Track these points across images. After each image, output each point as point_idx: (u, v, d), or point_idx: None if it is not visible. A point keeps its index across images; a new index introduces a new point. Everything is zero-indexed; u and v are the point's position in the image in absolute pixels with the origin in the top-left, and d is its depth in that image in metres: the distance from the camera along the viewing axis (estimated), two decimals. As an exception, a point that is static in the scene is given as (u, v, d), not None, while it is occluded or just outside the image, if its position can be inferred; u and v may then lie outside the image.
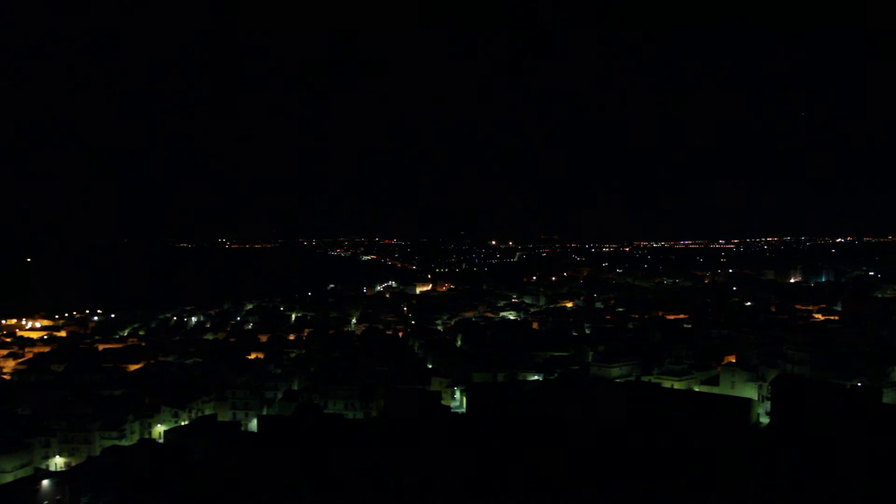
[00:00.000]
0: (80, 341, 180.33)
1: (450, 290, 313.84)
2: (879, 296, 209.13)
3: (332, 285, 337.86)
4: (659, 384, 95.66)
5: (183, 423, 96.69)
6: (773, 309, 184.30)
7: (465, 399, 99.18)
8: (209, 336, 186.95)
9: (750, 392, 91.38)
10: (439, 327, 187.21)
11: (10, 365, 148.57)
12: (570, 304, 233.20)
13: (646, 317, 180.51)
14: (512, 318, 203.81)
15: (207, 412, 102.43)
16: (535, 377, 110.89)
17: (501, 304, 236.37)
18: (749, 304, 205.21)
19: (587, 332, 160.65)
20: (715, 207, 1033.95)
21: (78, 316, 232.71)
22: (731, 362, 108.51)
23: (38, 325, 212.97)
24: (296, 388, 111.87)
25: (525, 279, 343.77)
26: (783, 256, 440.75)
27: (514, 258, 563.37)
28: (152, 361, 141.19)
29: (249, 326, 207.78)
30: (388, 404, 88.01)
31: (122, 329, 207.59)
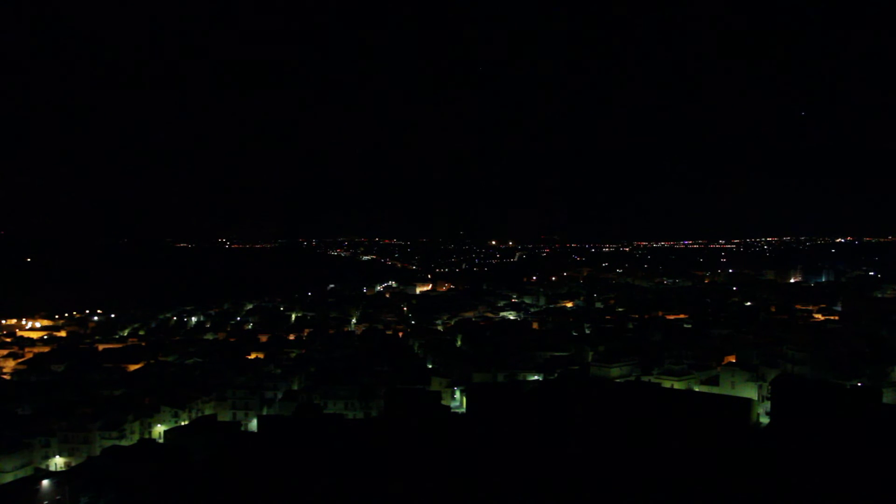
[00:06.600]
0: (80, 341, 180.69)
1: (450, 290, 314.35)
2: (879, 296, 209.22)
3: (332, 285, 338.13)
4: (659, 384, 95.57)
5: (183, 423, 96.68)
6: (773, 309, 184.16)
7: (465, 399, 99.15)
8: (209, 336, 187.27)
9: (750, 392, 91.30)
10: (439, 327, 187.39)
11: (10, 365, 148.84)
12: (570, 304, 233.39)
13: (646, 317, 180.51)
14: (512, 318, 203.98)
15: (207, 412, 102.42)
16: (535, 377, 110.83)
17: (501, 304, 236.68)
18: (749, 304, 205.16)
19: (587, 332, 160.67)
20: (715, 207, 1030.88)
21: (78, 316, 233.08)
22: (731, 362, 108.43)
23: (38, 325, 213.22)
24: (296, 388, 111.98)
25: (525, 279, 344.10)
26: (783, 256, 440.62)
27: (514, 258, 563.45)
28: (152, 361, 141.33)
29: (249, 326, 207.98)
30: (388, 404, 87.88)
31: (122, 329, 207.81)
